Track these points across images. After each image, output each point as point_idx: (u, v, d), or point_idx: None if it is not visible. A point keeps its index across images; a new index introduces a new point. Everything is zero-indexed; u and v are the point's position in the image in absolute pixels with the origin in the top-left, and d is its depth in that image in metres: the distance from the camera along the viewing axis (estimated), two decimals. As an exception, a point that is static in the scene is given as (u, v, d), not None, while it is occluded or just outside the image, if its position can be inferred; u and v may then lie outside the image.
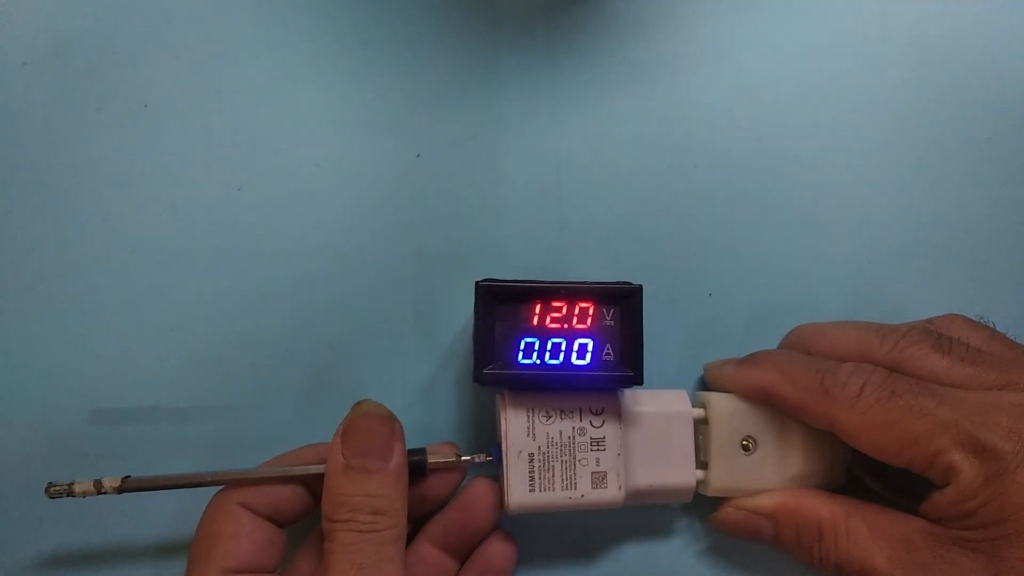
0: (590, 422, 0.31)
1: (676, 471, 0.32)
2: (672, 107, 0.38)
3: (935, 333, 0.31)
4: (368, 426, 0.28)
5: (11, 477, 0.34)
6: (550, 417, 0.30)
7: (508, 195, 0.37)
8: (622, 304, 0.30)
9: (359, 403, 0.30)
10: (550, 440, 0.30)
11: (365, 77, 0.37)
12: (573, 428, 0.31)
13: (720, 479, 0.32)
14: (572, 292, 0.30)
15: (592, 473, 0.30)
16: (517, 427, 0.30)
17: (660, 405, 0.32)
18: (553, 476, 0.30)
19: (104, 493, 0.29)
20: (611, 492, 0.30)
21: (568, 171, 0.37)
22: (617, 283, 0.30)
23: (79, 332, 0.35)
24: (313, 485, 0.30)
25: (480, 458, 0.32)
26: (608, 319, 0.30)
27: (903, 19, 0.39)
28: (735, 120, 0.38)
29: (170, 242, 0.36)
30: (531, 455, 0.30)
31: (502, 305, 0.30)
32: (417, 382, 0.35)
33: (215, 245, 0.36)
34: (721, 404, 0.33)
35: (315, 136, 0.37)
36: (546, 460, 0.30)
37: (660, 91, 0.38)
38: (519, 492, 0.30)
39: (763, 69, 0.38)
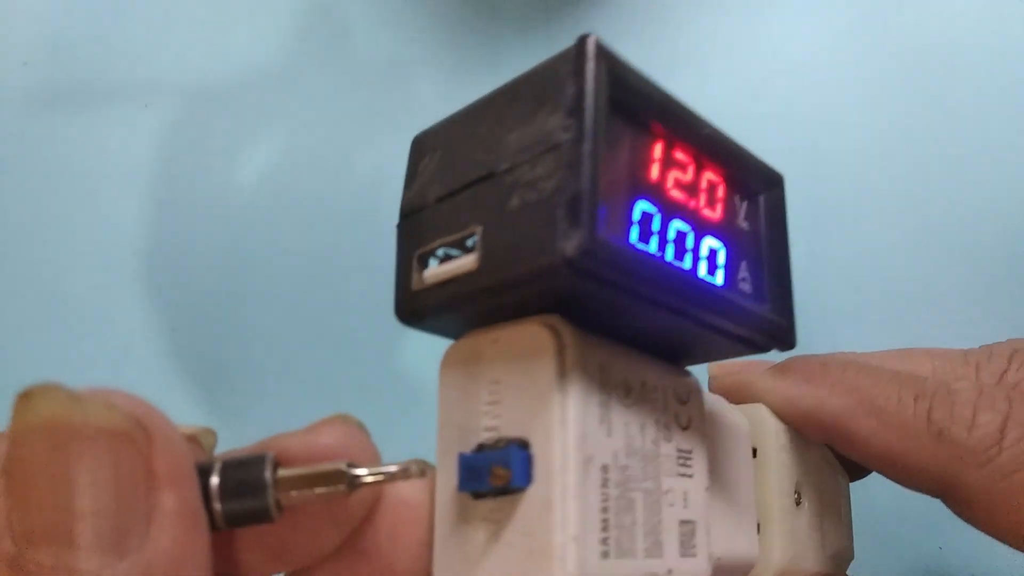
0: (675, 415, 0.16)
1: (743, 531, 0.18)
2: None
3: None
4: (53, 454, 0.12)
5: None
6: (630, 393, 0.15)
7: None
8: (761, 198, 0.18)
9: (30, 394, 0.12)
10: (629, 442, 0.15)
11: (365, 76, 0.37)
12: (658, 423, 0.15)
13: (785, 552, 0.19)
14: (706, 140, 0.17)
15: (680, 523, 0.15)
16: (587, 403, 0.14)
17: (716, 407, 0.18)
18: (635, 523, 0.14)
19: None
20: (700, 562, 0.16)
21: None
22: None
23: (79, 332, 0.35)
24: None
25: (416, 468, 0.15)
26: (742, 218, 0.18)
27: (904, 18, 0.39)
28: (734, 120, 0.38)
29: (170, 242, 0.36)
30: (605, 469, 0.14)
31: (614, 119, 0.14)
32: (418, 385, 0.35)
33: (215, 245, 0.36)
34: (775, 428, 0.20)
35: (315, 136, 0.37)
36: (625, 486, 0.14)
37: (661, 91, 0.38)
38: (587, 555, 0.13)
39: (764, 69, 0.38)
